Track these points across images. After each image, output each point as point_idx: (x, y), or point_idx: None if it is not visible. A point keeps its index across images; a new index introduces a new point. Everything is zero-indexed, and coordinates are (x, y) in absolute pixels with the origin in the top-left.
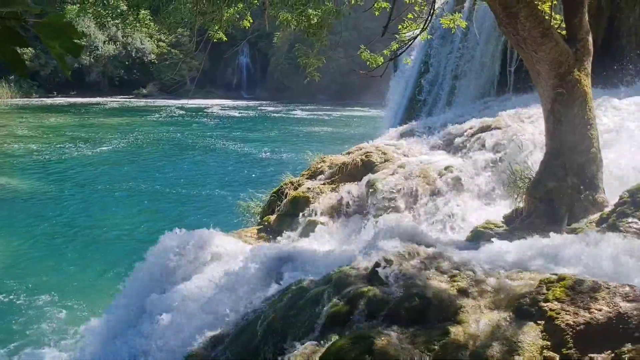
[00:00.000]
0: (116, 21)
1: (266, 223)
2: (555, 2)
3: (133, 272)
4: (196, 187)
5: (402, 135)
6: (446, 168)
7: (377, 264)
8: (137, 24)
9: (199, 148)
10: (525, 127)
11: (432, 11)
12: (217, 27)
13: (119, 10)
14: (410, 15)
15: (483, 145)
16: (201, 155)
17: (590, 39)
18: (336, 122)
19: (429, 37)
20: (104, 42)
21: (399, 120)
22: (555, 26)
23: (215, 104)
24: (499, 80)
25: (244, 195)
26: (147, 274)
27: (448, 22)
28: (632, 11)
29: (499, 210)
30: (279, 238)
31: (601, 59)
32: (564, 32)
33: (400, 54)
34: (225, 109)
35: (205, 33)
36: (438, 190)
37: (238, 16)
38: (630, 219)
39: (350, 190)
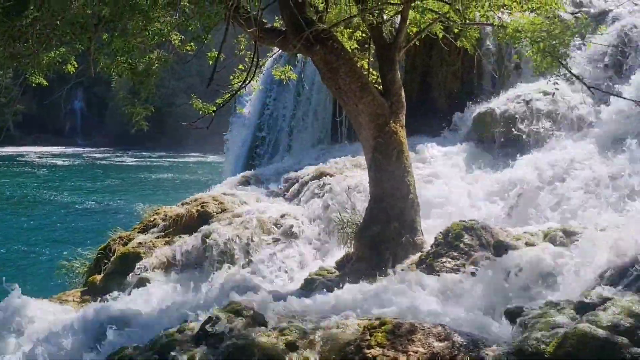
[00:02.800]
0: None
1: (92, 284)
2: (372, 59)
3: None
4: (9, 245)
5: (241, 183)
6: (282, 216)
7: (205, 323)
8: None
9: (15, 201)
10: (356, 174)
11: (254, 61)
12: (32, 71)
13: None
14: (240, 66)
15: (318, 192)
16: (17, 209)
17: (402, 93)
18: (178, 169)
19: (260, 87)
20: None
21: (240, 168)
22: (373, 81)
23: (43, 151)
24: (333, 129)
25: (67, 254)
26: None
27: (279, 74)
28: (441, 69)
29: (333, 255)
30: (104, 300)
31: (417, 110)
32: (381, 87)
33: (224, 104)
34: (53, 157)
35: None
36: (275, 239)
37: (60, 60)
38: (444, 259)
39: (185, 243)
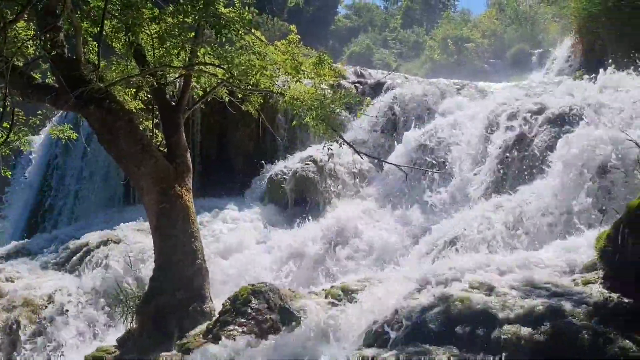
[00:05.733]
0: None
1: None
2: (157, 120)
3: None
4: None
5: (12, 255)
6: (56, 291)
7: None
8: None
9: None
10: (145, 239)
11: (12, 117)
12: None
13: None
14: (5, 124)
15: (100, 262)
16: None
17: (188, 156)
18: None
19: (34, 148)
20: None
21: (19, 235)
22: (158, 143)
23: None
24: (126, 190)
25: None
26: None
27: (57, 133)
28: (237, 129)
29: (115, 332)
30: None
31: (216, 170)
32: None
33: None
34: None
35: None
36: (46, 320)
37: None
38: (231, 327)
39: None
